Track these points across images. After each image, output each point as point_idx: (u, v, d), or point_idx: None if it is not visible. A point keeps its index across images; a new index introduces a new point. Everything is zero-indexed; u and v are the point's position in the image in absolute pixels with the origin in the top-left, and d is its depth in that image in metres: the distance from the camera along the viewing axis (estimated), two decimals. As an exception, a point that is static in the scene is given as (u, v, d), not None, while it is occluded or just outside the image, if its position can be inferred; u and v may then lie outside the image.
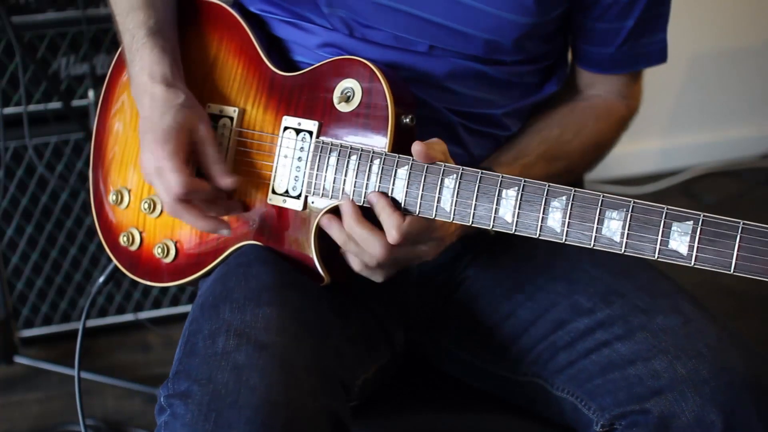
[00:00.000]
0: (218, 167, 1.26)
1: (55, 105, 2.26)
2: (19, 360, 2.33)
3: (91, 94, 2.25)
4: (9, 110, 2.22)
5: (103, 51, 2.25)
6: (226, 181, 1.26)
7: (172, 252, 1.36)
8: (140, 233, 1.38)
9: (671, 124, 3.33)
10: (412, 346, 1.45)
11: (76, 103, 2.27)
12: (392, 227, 1.16)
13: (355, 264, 1.24)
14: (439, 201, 1.17)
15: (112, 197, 1.40)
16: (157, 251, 1.36)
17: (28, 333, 2.42)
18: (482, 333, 1.38)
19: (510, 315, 1.36)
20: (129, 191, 1.39)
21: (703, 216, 1.04)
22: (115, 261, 1.42)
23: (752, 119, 3.39)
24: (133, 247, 1.39)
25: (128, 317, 2.48)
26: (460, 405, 1.43)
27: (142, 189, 1.39)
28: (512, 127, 1.41)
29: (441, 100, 1.33)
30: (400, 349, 1.42)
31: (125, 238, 1.39)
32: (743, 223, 1.02)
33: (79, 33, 2.22)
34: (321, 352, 1.17)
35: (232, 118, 1.33)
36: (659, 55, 1.40)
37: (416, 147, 1.17)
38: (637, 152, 3.20)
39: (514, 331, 1.35)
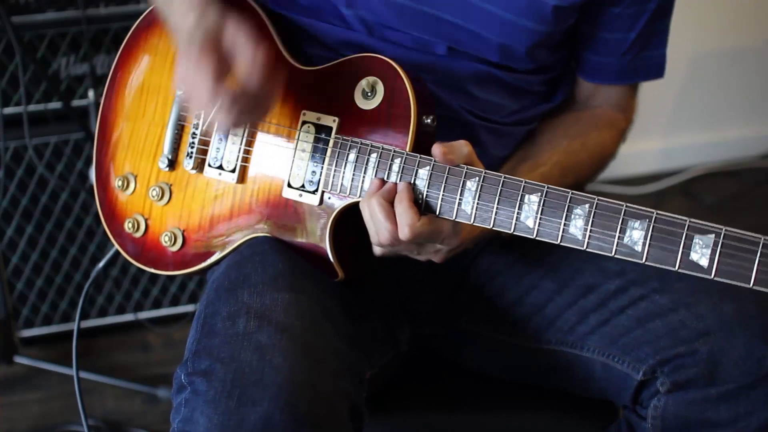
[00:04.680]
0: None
1: (55, 105, 2.25)
2: (19, 360, 2.33)
3: (91, 94, 2.25)
4: (9, 110, 2.22)
5: (103, 51, 2.25)
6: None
7: (180, 241, 1.36)
8: (145, 220, 1.39)
9: (671, 124, 3.33)
10: (420, 341, 1.45)
11: (76, 103, 2.27)
12: (406, 224, 1.16)
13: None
14: (460, 203, 1.17)
15: (117, 182, 1.40)
16: (164, 239, 1.36)
17: (28, 333, 2.42)
18: (502, 307, 1.39)
19: (532, 287, 1.37)
20: (135, 177, 1.40)
21: (725, 230, 1.06)
22: (117, 247, 1.42)
23: (752, 119, 3.39)
24: (138, 234, 1.39)
25: (128, 317, 2.47)
26: (469, 400, 1.44)
27: (150, 175, 1.39)
28: (532, 124, 1.42)
29: (459, 101, 1.33)
30: (404, 349, 1.42)
31: (130, 225, 1.39)
32: (764, 239, 1.04)
33: (79, 33, 2.22)
34: (338, 339, 1.18)
35: None
36: (658, 70, 1.42)
37: (435, 150, 1.17)
38: (637, 152, 3.20)
39: (537, 301, 1.36)
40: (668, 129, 3.34)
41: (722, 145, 3.35)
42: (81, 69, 2.25)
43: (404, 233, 1.16)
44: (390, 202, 1.18)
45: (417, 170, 1.20)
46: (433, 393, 1.45)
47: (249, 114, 1.21)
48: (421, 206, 1.19)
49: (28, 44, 2.19)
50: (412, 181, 1.20)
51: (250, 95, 1.17)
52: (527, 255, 1.39)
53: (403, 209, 1.17)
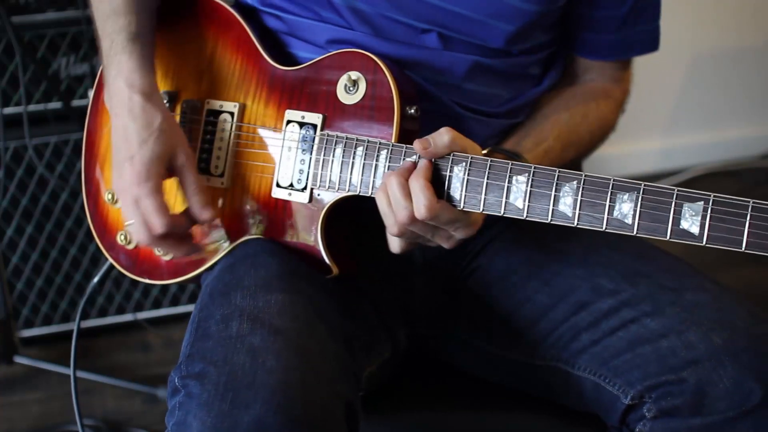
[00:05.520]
0: (197, 199, 1.26)
1: (55, 105, 2.26)
2: (19, 360, 2.33)
3: (91, 94, 2.24)
4: (9, 110, 2.23)
5: (103, 51, 2.25)
6: (205, 215, 1.26)
7: None
8: None
9: (671, 124, 3.33)
10: (418, 342, 1.45)
11: (76, 103, 2.27)
12: (423, 204, 1.14)
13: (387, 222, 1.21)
14: (448, 188, 1.17)
15: (107, 196, 1.40)
16: (156, 249, 1.36)
17: (28, 333, 2.42)
18: (497, 320, 1.38)
19: (526, 301, 1.36)
20: None
21: (714, 196, 1.06)
22: (111, 260, 1.42)
23: (752, 119, 3.39)
24: (130, 246, 1.39)
25: (128, 317, 2.48)
26: (468, 400, 1.43)
27: None
28: (519, 117, 1.42)
29: (450, 95, 1.33)
30: (402, 346, 1.42)
31: (122, 237, 1.39)
32: (753, 202, 1.04)
33: (79, 33, 2.22)
34: (333, 340, 1.18)
35: (232, 113, 1.33)
36: (652, 43, 1.43)
37: (416, 145, 1.17)
38: (637, 152, 3.20)
39: (531, 315, 1.35)
40: (668, 129, 3.34)
41: (722, 145, 3.35)
42: (81, 69, 2.26)
43: (420, 212, 1.15)
44: (408, 180, 1.17)
45: (404, 160, 1.20)
46: (431, 393, 1.44)
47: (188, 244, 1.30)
48: (444, 191, 1.17)
49: (28, 44, 2.19)
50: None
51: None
52: (522, 266, 1.39)
53: (420, 187, 1.15)
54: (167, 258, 1.35)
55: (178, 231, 1.26)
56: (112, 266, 1.43)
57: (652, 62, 1.50)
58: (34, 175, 2.29)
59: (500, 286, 1.39)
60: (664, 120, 3.31)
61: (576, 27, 1.41)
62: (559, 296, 1.33)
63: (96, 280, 1.48)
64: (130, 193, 1.23)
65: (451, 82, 1.32)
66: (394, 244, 1.24)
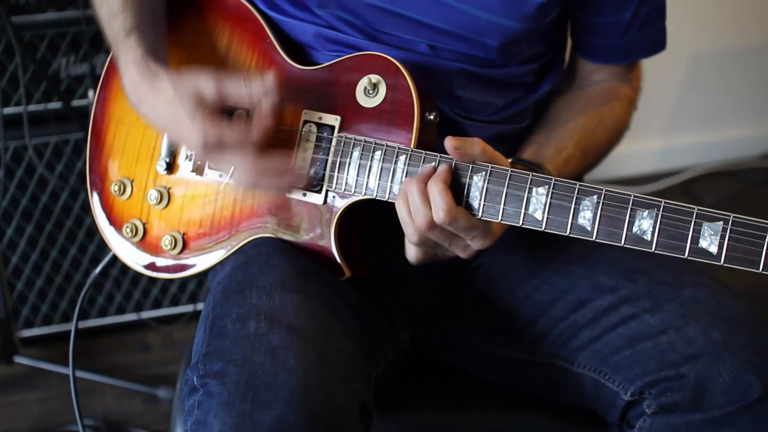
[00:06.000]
0: (254, 84, 1.20)
1: (55, 105, 2.25)
2: (19, 360, 2.33)
3: (91, 94, 2.25)
4: (9, 110, 2.22)
5: (103, 51, 2.25)
6: (267, 80, 1.20)
7: (180, 244, 1.35)
8: (143, 224, 1.38)
9: (671, 124, 3.33)
10: (419, 342, 1.45)
11: (76, 103, 2.27)
12: (441, 207, 1.15)
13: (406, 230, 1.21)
14: (467, 197, 1.17)
15: (113, 187, 1.40)
16: (164, 243, 1.36)
17: (28, 333, 2.42)
18: (497, 318, 1.39)
19: (526, 299, 1.36)
20: (132, 182, 1.39)
21: (733, 217, 1.07)
22: (115, 252, 1.41)
23: (752, 119, 3.39)
24: (136, 239, 1.39)
25: (128, 317, 2.47)
26: (468, 400, 1.43)
27: (147, 179, 1.38)
28: (520, 123, 1.42)
29: (443, 102, 1.33)
30: (405, 347, 1.43)
31: (128, 230, 1.38)
32: None
33: (79, 33, 2.22)
34: (348, 340, 1.19)
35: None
36: (658, 45, 1.42)
37: (447, 142, 1.17)
38: (637, 152, 3.20)
39: (531, 313, 1.35)
40: (668, 129, 3.34)
41: (722, 145, 3.35)
42: (81, 69, 2.25)
43: (439, 216, 1.15)
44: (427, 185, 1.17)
45: (423, 166, 1.20)
46: (431, 393, 1.45)
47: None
48: (462, 199, 1.17)
49: (28, 44, 2.19)
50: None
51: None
52: (522, 265, 1.39)
53: (438, 191, 1.15)
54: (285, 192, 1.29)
55: (267, 127, 1.21)
56: (114, 258, 1.43)
57: (652, 62, 1.49)
58: (34, 175, 2.29)
59: (500, 285, 1.39)
60: (664, 120, 3.31)
61: (581, 32, 1.41)
62: (558, 294, 1.34)
63: (98, 270, 1.47)
64: (210, 148, 1.20)
65: (444, 89, 1.32)
66: (412, 254, 1.24)
